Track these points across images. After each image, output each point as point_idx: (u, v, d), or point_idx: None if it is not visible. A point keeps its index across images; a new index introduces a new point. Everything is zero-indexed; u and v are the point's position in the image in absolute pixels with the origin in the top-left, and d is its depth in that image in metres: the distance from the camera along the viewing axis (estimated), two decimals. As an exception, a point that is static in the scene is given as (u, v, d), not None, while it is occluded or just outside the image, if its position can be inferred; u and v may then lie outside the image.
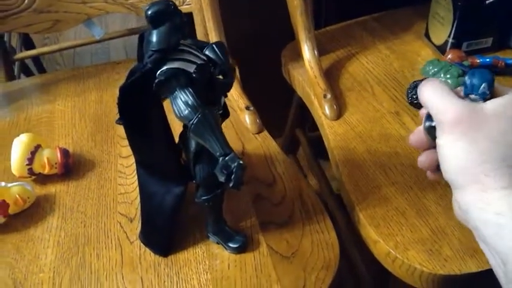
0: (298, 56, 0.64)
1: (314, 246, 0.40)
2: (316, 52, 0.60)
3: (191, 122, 0.33)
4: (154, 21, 0.33)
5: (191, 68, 0.34)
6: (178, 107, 0.33)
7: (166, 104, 0.36)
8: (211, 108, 0.34)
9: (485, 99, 0.33)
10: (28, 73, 1.37)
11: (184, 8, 0.62)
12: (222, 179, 0.31)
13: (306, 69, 0.60)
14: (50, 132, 0.57)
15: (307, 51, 0.60)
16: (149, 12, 0.33)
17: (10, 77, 1.05)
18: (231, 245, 0.40)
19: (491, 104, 0.32)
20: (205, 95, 0.35)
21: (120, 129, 0.56)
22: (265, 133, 0.54)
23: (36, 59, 1.36)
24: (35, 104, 0.61)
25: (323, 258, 0.39)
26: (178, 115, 0.33)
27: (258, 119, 0.55)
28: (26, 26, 0.62)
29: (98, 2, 0.61)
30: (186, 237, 0.42)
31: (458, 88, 0.35)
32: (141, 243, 0.42)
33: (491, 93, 0.33)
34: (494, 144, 0.31)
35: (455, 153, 0.32)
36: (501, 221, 0.29)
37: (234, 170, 0.31)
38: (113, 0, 0.61)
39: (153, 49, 0.34)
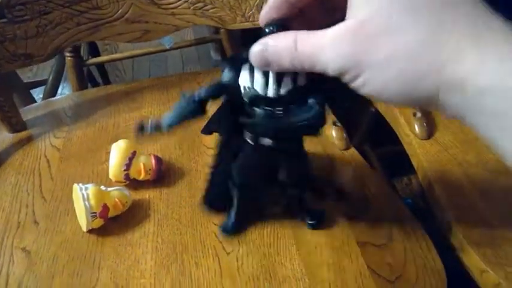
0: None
1: (419, 272, 0.39)
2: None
3: None
4: None
5: None
6: None
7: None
8: None
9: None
10: (92, 78, 1.43)
11: (269, 22, 0.63)
12: None
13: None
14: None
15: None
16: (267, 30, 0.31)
17: (81, 81, 1.10)
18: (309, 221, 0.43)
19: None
20: None
21: (206, 139, 0.57)
22: (353, 149, 0.53)
23: (100, 65, 1.43)
24: (122, 111, 0.64)
25: (430, 286, 0.38)
26: None
27: (345, 134, 0.54)
28: (118, 35, 0.64)
29: (187, 14, 0.63)
30: (284, 252, 0.42)
31: None
32: (237, 256, 0.42)
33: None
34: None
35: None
36: None
37: None
38: (202, 12, 0.63)
39: None
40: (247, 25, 0.64)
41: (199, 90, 0.35)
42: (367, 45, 0.24)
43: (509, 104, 0.21)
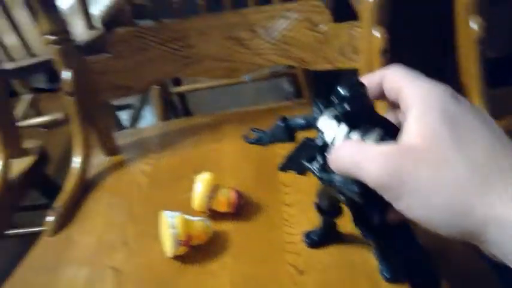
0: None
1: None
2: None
3: None
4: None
5: None
6: None
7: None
8: None
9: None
10: (171, 103, 1.52)
11: (350, 64, 0.64)
12: None
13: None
14: (218, 170, 0.61)
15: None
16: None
17: (165, 108, 1.18)
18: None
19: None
20: None
21: (283, 176, 0.59)
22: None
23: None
24: (204, 142, 0.68)
25: None
26: None
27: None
28: (205, 72, 0.69)
29: (270, 54, 0.66)
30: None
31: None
32: (312, 298, 0.42)
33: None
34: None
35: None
36: None
37: None
38: (285, 54, 0.66)
39: None
40: (328, 67, 0.66)
41: (292, 118, 0.41)
42: (415, 169, 0.26)
43: None
